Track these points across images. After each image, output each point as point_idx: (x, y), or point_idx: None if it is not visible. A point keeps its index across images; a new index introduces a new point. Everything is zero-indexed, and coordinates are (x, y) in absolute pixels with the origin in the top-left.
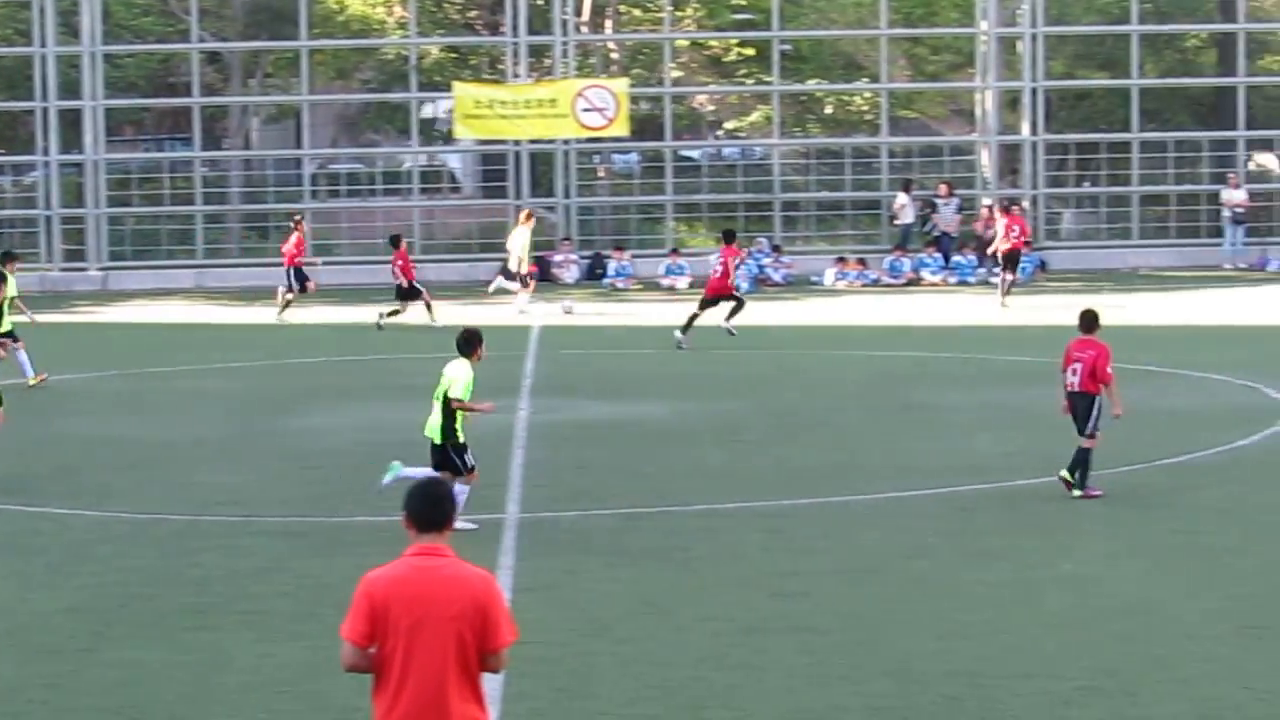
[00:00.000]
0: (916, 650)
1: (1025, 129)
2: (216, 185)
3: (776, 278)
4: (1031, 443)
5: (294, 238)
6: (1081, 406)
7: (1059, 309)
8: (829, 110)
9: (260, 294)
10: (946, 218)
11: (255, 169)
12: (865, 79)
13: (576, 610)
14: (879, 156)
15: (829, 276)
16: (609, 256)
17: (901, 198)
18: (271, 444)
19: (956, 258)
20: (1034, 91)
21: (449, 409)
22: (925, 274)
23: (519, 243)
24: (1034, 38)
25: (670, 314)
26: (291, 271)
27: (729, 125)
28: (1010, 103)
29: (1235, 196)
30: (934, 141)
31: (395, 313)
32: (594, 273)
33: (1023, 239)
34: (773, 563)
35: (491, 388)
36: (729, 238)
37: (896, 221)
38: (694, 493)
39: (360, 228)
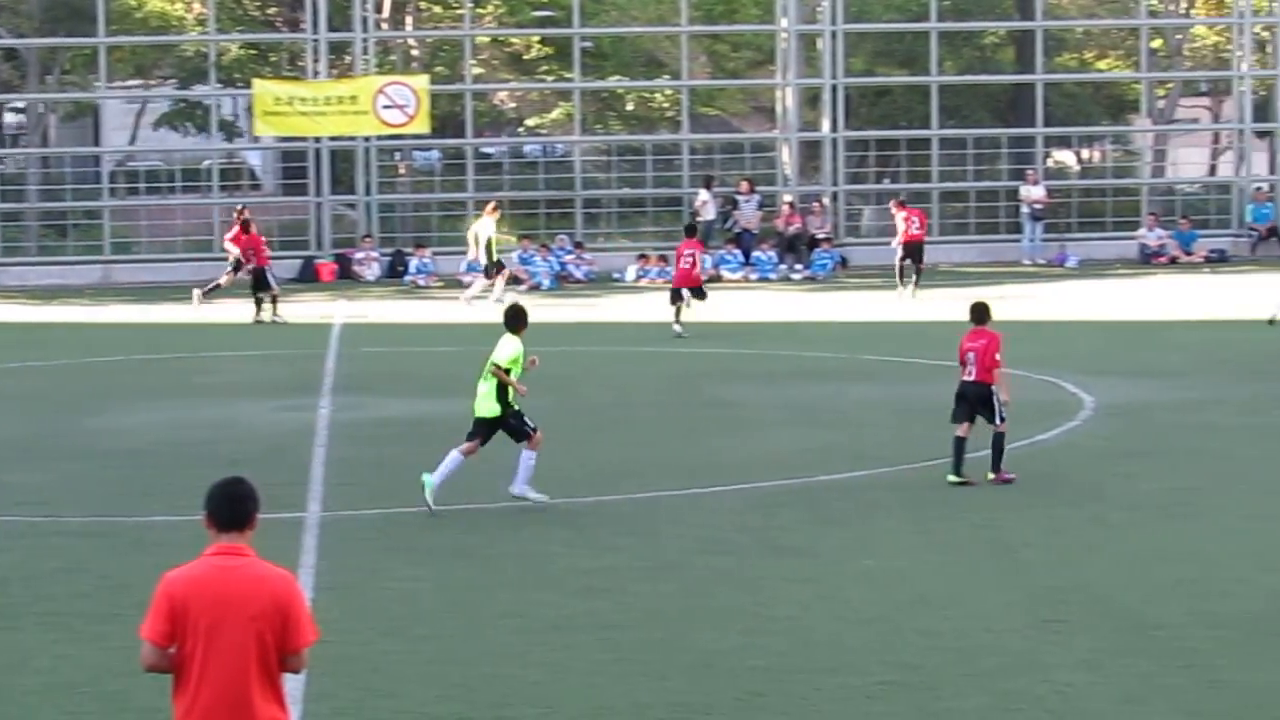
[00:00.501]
0: (719, 646)
1: (825, 126)
2: (14, 183)
3: (578, 275)
4: (834, 439)
5: (237, 230)
6: (980, 396)
7: (860, 305)
8: (630, 107)
9: (59, 293)
10: (747, 214)
11: (53, 167)
12: (666, 76)
13: (379, 609)
14: (680, 153)
15: (630, 273)
16: (410, 254)
17: (703, 194)
18: (72, 443)
19: (757, 254)
20: (834, 88)
21: (500, 386)
22: (726, 271)
23: (484, 234)
24: (834, 35)
25: (471, 311)
26: (237, 263)
27: (530, 122)
28: (811, 99)
29: (1034, 193)
30: (735, 138)
31: (274, 299)
32: (395, 270)
33: (922, 230)
34: (576, 560)
35: (292, 386)
36: (690, 231)
37: (698, 218)
38: (496, 490)
39: (159, 225)
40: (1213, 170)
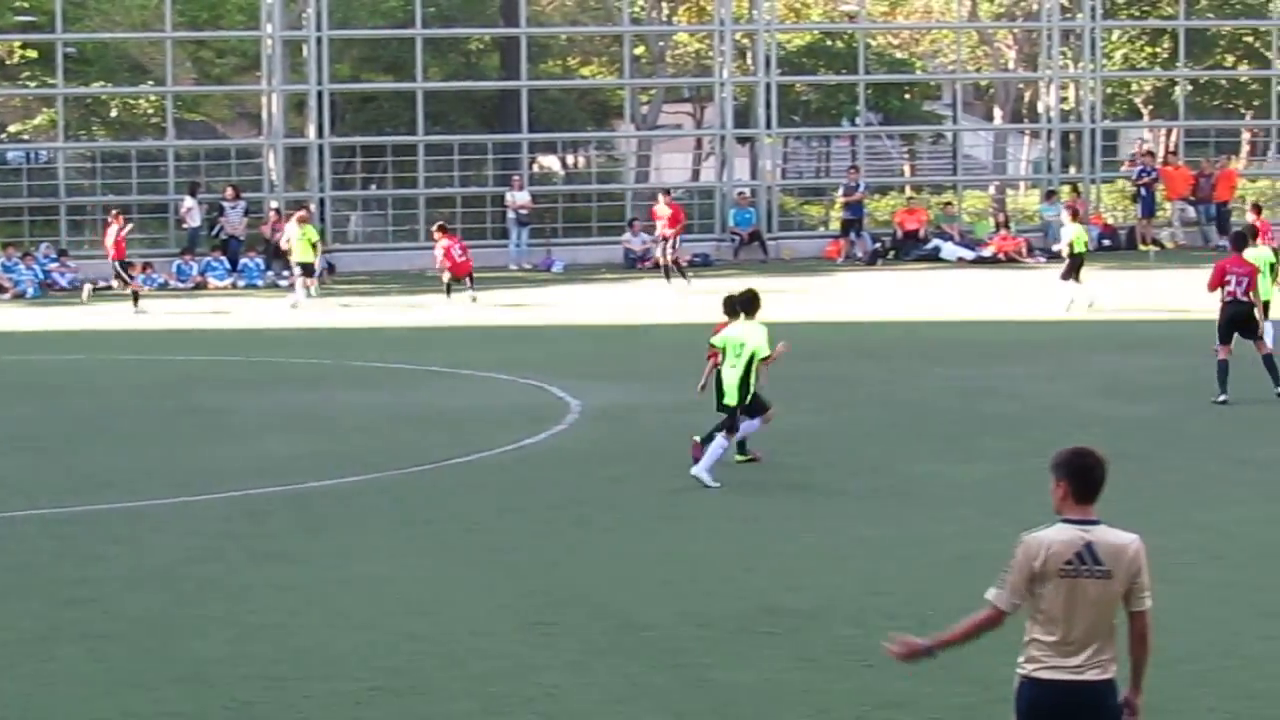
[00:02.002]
0: (209, 654)
1: (311, 132)
2: None
3: (63, 282)
4: (320, 445)
5: (115, 230)
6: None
7: (347, 311)
8: (115, 113)
9: None
10: (234, 221)
11: None
12: (150, 82)
13: None
14: (166, 160)
15: (116, 281)
16: None
17: (188, 201)
18: None
19: (244, 261)
20: (320, 94)
21: (748, 371)
22: (213, 279)
23: (294, 239)
24: (319, 41)
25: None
26: (118, 265)
27: (13, 128)
28: (297, 106)
29: (519, 198)
30: (220, 145)
31: None
32: None
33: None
34: (62, 570)
35: None
36: (444, 229)
37: (183, 225)
38: None
39: None
40: (696, 175)
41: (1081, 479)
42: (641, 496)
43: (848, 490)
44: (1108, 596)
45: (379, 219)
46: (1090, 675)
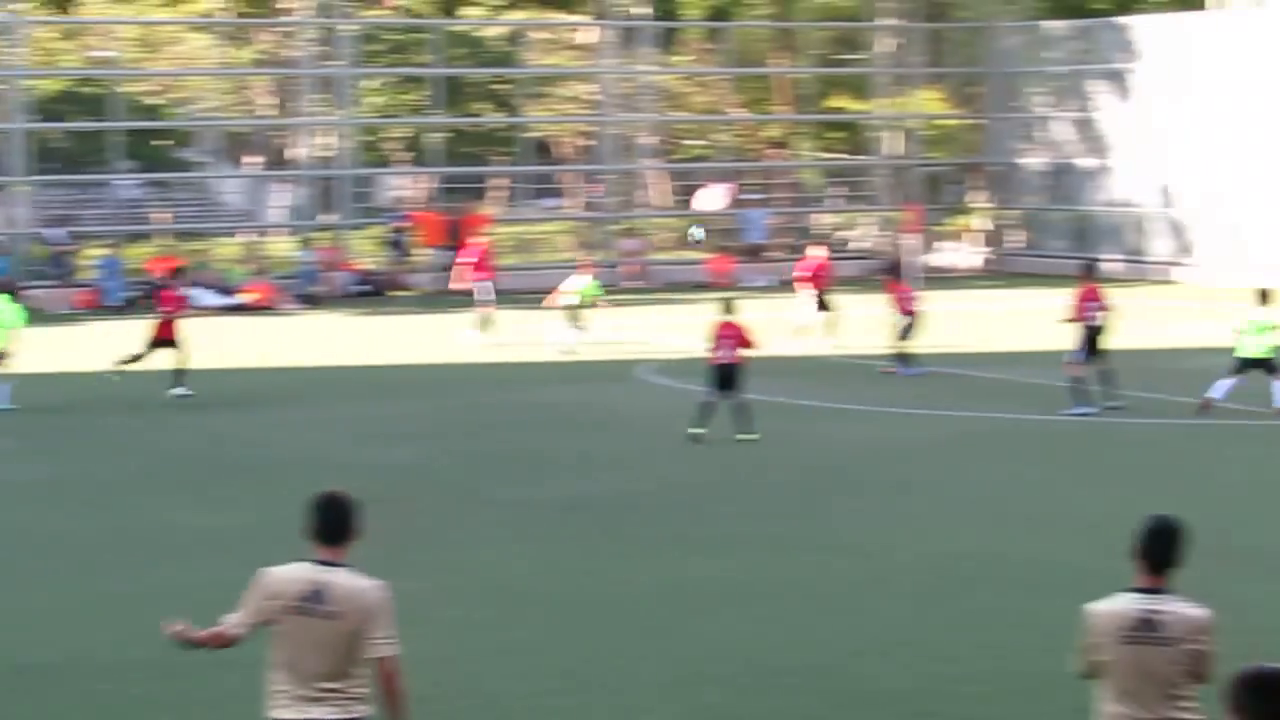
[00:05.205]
0: None
1: None
2: None
3: None
4: None
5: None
6: None
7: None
8: None
9: None
10: None
11: None
12: None
13: None
14: None
15: None
16: None
17: None
18: None
19: None
20: None
21: None
22: None
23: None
24: None
25: None
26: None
27: None
28: None
29: None
30: None
31: None
32: None
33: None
34: None
35: None
36: (178, 276)
37: None
38: None
39: None
40: None
41: (317, 518)
42: None
43: (80, 535)
44: (336, 638)
45: None
46: (320, 714)
